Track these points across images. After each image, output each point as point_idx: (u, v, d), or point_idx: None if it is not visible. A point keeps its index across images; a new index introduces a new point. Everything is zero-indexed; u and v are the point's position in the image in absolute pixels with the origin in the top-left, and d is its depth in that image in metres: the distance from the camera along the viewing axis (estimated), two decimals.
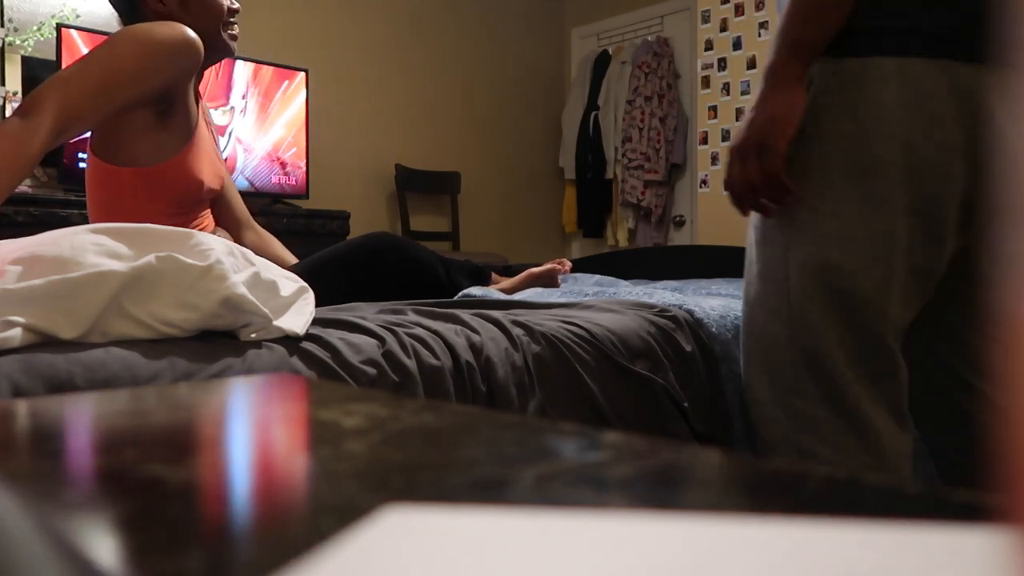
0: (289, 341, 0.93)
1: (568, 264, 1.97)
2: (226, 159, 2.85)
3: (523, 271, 1.85)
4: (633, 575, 0.20)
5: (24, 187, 2.56)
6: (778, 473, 0.31)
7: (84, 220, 2.33)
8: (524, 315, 1.22)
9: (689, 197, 4.10)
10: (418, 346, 1.00)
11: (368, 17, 3.87)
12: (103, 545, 0.24)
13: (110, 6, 1.42)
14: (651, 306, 1.34)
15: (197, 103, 1.46)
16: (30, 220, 2.28)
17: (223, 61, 2.18)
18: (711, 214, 3.68)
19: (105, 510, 0.27)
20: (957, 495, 0.27)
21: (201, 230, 1.28)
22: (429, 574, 0.20)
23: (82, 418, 0.45)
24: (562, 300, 1.48)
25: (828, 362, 0.98)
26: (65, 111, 1.16)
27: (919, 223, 0.95)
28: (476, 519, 0.24)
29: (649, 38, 4.23)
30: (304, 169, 3.27)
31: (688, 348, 1.27)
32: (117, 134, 1.34)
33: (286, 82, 3.22)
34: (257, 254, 1.07)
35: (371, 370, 0.93)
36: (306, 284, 1.04)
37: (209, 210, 1.55)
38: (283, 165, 3.21)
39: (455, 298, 1.47)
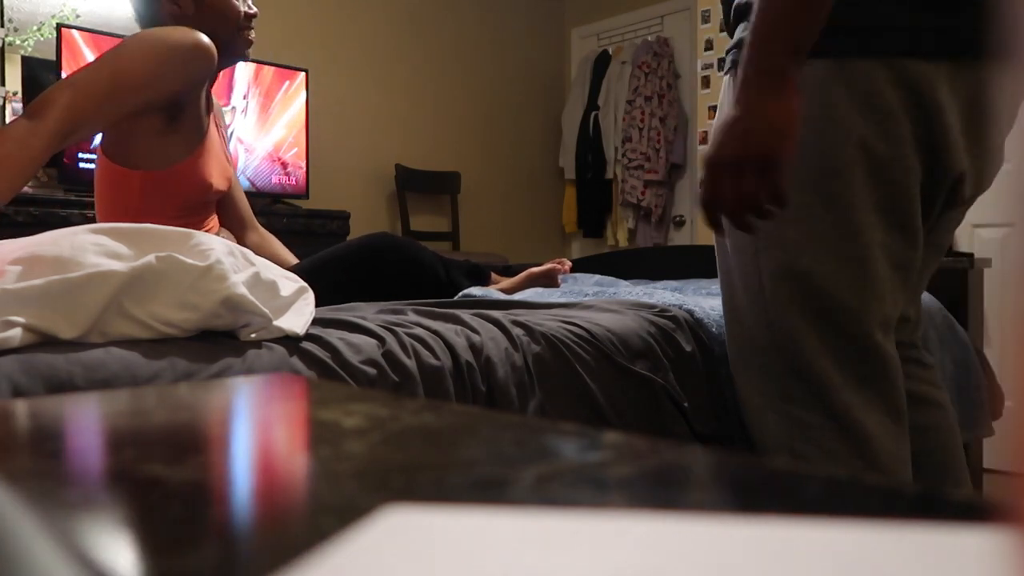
0: (289, 341, 0.93)
1: (568, 264, 1.97)
2: None
3: (523, 271, 1.85)
4: (633, 575, 0.20)
5: (24, 187, 2.55)
6: (777, 473, 0.31)
7: (84, 220, 2.33)
8: (524, 315, 1.22)
9: (689, 197, 4.09)
10: (418, 346, 0.99)
11: (368, 17, 3.87)
12: (103, 545, 0.24)
13: (110, 6, 1.42)
14: (651, 306, 1.34)
15: (209, 104, 1.46)
16: (30, 220, 2.28)
17: None
18: None
19: (105, 510, 0.27)
20: (957, 495, 0.27)
21: (208, 231, 1.28)
22: (429, 574, 0.20)
23: (82, 418, 0.45)
24: (562, 300, 1.48)
25: (815, 368, 0.97)
26: (72, 114, 1.16)
27: (891, 219, 0.95)
28: (476, 519, 0.24)
29: (649, 38, 4.23)
30: (304, 169, 3.27)
31: (688, 348, 1.27)
32: (128, 137, 1.34)
33: (287, 82, 3.22)
34: (258, 254, 1.07)
35: (371, 370, 0.93)
36: (306, 284, 1.04)
37: (215, 212, 1.55)
38: (284, 165, 3.21)
39: (455, 298, 1.47)
